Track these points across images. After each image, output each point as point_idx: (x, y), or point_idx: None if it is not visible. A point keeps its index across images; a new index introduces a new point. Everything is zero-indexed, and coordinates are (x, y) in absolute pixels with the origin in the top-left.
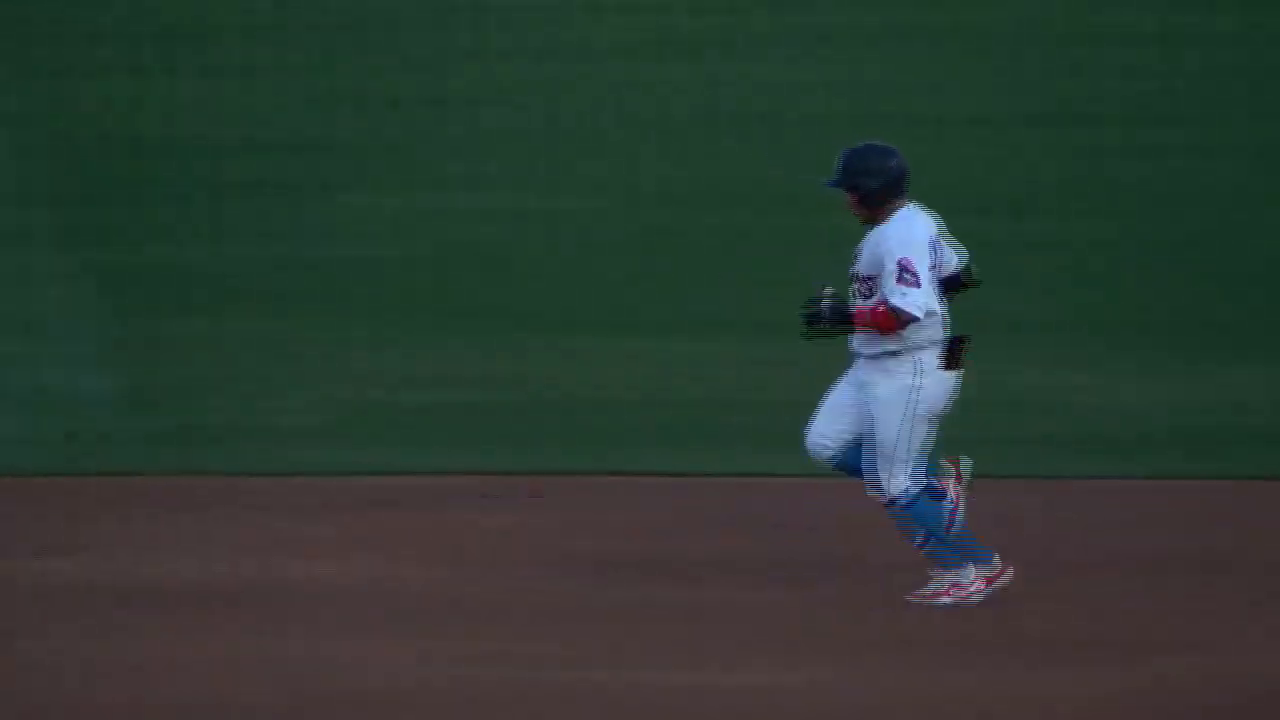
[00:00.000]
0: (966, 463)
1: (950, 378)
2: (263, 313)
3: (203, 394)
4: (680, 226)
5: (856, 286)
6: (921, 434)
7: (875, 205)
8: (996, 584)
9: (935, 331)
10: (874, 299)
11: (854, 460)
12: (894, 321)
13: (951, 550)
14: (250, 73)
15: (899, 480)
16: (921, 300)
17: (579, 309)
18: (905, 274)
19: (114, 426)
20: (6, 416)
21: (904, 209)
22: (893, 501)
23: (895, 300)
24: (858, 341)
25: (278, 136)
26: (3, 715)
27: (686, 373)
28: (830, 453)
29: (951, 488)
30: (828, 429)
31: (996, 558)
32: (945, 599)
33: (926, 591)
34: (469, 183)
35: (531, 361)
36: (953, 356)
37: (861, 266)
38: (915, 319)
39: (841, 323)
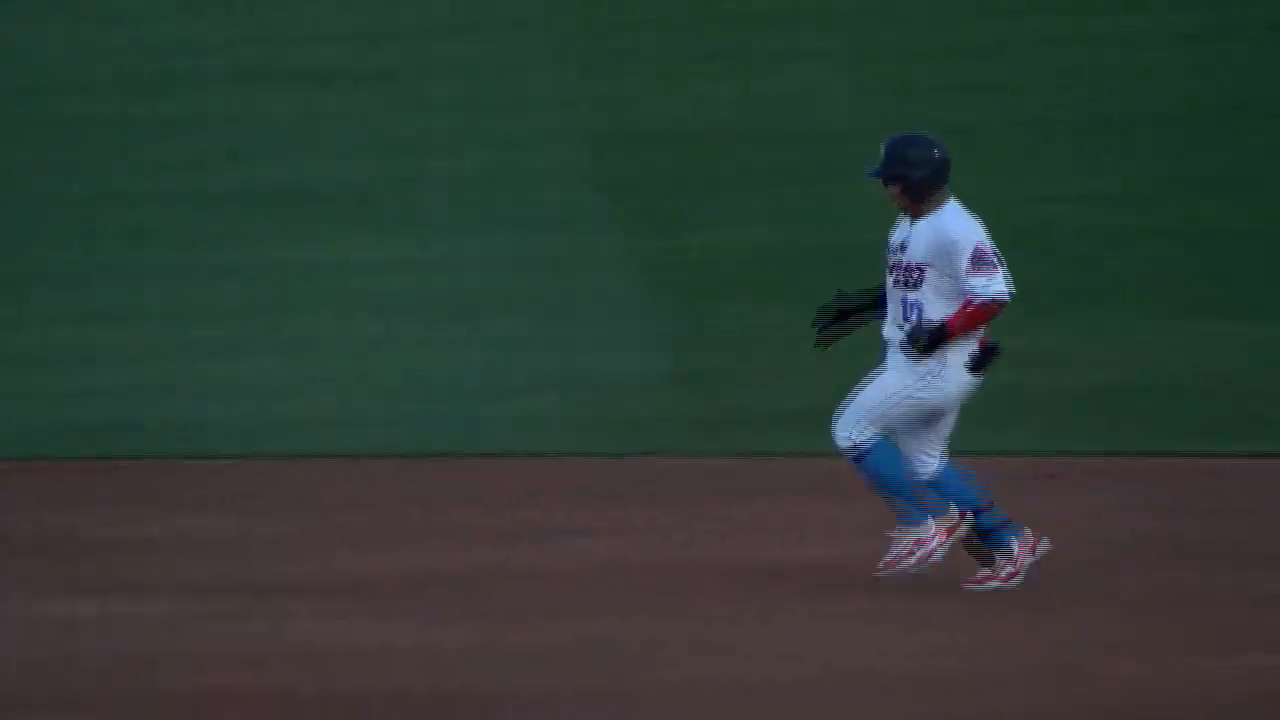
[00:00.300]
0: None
1: (971, 382)
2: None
3: (744, 378)
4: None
5: (899, 276)
6: (909, 413)
7: (919, 197)
8: (953, 537)
9: (978, 332)
10: (943, 285)
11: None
12: (989, 312)
13: (910, 503)
14: (823, 59)
15: (861, 431)
16: (1003, 282)
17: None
18: (981, 260)
19: (654, 409)
20: (547, 398)
21: (951, 201)
22: (845, 453)
23: (980, 289)
24: (890, 329)
25: (831, 125)
26: (564, 690)
27: None
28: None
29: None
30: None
31: (953, 509)
32: (910, 560)
33: (889, 559)
34: (1051, 171)
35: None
36: (982, 362)
37: (914, 255)
38: (1005, 300)
39: (939, 340)
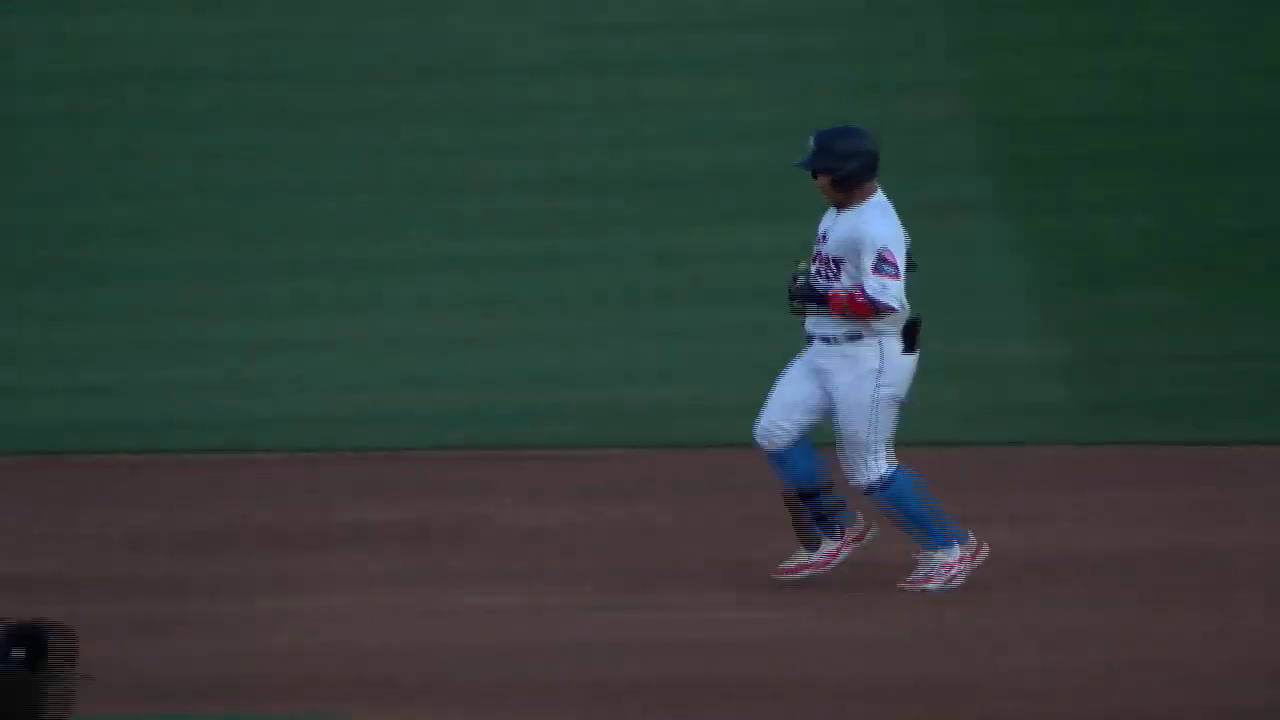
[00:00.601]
0: (873, 532)
1: (911, 361)
2: (1182, 284)
3: (1137, 364)
4: None
5: (819, 267)
6: (889, 418)
7: (849, 188)
8: (976, 561)
9: (899, 315)
10: (849, 285)
11: (796, 458)
12: (870, 311)
13: (935, 530)
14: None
15: (875, 466)
16: (898, 292)
17: None
18: (885, 265)
19: (1045, 397)
20: (934, 384)
21: (878, 195)
22: (871, 489)
23: (874, 292)
24: (815, 324)
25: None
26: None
27: None
28: (784, 440)
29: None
30: (784, 419)
31: (972, 535)
32: (931, 585)
33: (916, 577)
34: None
35: None
36: (910, 339)
37: (831, 248)
38: (893, 310)
39: (813, 303)
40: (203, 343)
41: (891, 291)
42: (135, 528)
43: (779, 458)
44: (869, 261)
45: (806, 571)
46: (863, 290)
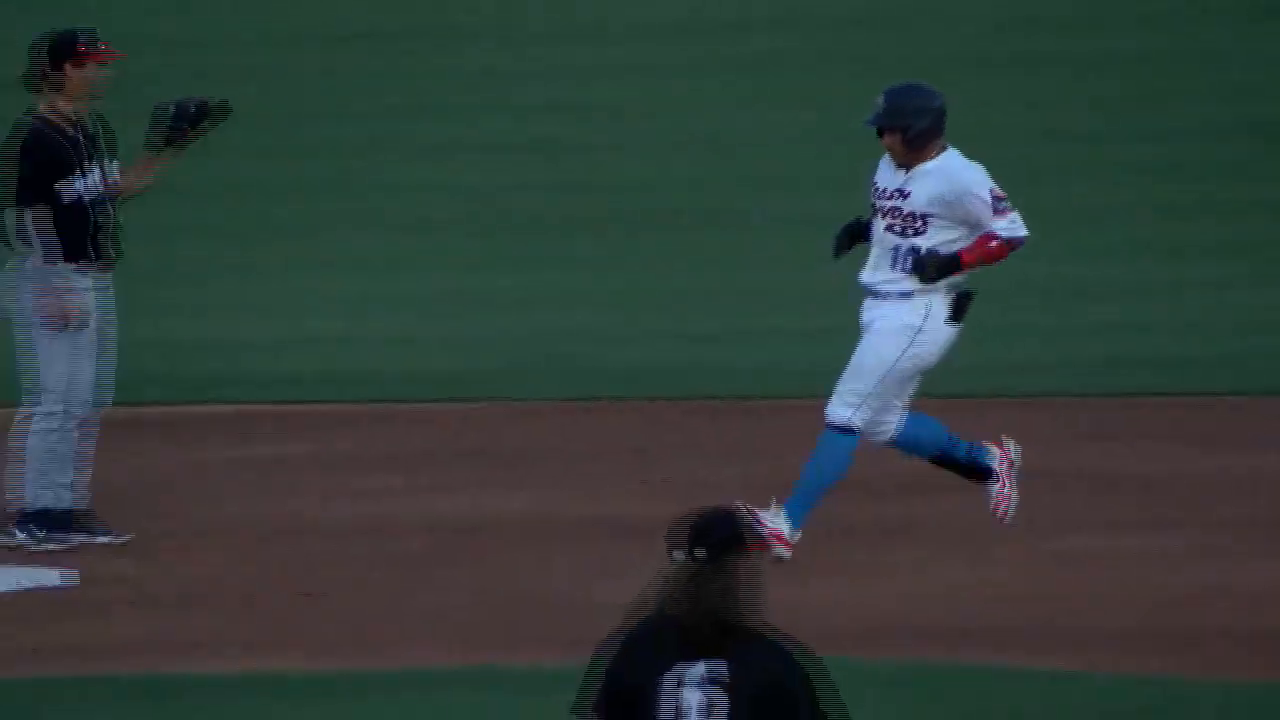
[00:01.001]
0: (1014, 448)
1: (952, 332)
2: None
3: None
4: None
5: (895, 223)
6: (901, 385)
7: (920, 146)
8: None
9: (959, 278)
10: (973, 236)
11: (913, 434)
12: (1007, 251)
13: (800, 503)
14: None
15: (851, 413)
16: (1023, 222)
17: None
18: (1001, 202)
19: None
20: None
21: (951, 149)
22: (829, 424)
23: (1008, 230)
24: (869, 274)
25: None
26: None
27: None
28: (888, 435)
29: (999, 466)
30: (883, 414)
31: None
32: (769, 538)
33: (763, 516)
34: None
35: None
36: (959, 309)
37: (919, 204)
38: (1024, 240)
39: (948, 271)
40: None
41: (1019, 221)
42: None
43: (898, 444)
44: (987, 206)
45: (1004, 506)
46: (993, 235)
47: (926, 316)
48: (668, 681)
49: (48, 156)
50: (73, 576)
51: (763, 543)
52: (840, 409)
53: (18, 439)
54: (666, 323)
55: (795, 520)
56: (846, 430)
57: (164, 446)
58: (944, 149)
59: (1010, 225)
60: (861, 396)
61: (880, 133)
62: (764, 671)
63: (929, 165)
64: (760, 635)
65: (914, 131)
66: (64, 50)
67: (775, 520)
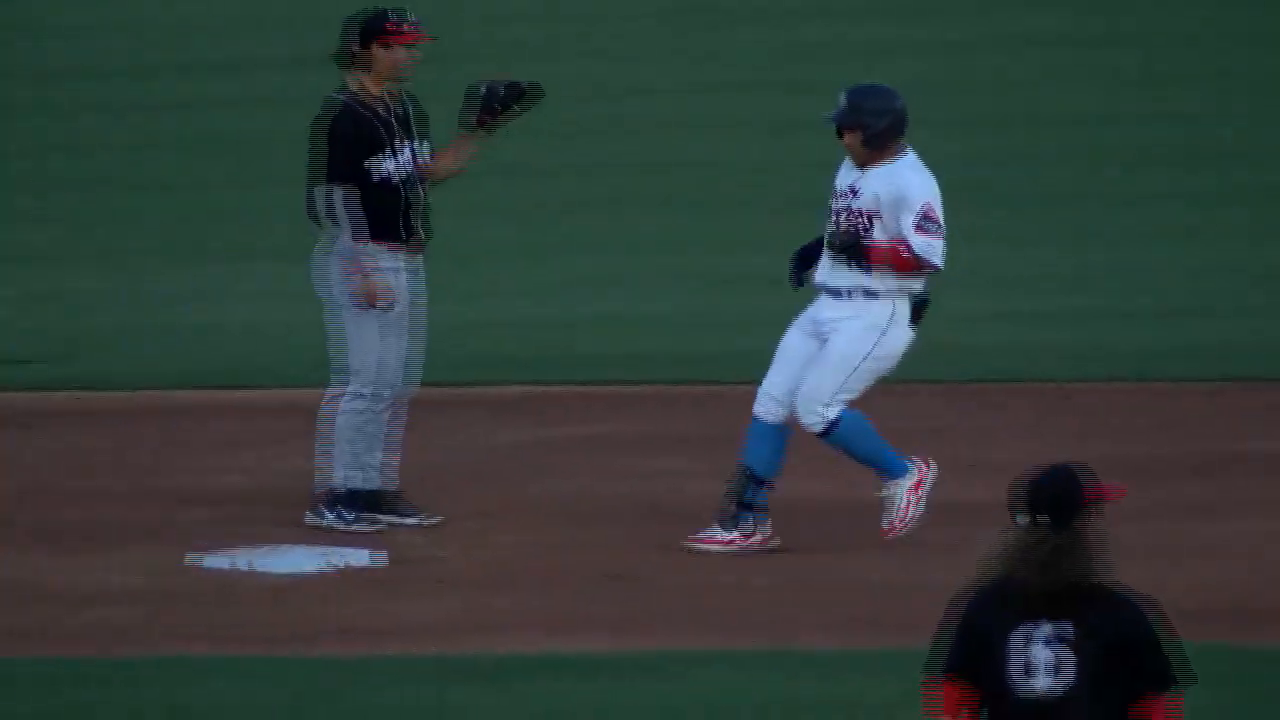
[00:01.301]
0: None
1: (912, 336)
2: None
3: None
4: None
5: (848, 220)
6: (865, 382)
7: (878, 146)
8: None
9: (920, 284)
10: (887, 237)
11: (773, 441)
12: (914, 266)
13: (890, 461)
14: None
15: (827, 412)
16: (942, 250)
17: None
18: (929, 222)
19: None
20: None
21: (909, 153)
22: (822, 434)
23: (922, 250)
24: (829, 276)
25: None
26: None
27: None
28: (774, 418)
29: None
30: (786, 392)
31: (917, 460)
32: (901, 527)
33: (891, 520)
34: None
35: None
36: (917, 314)
37: (866, 203)
38: (935, 268)
39: (852, 253)
40: None
41: (937, 250)
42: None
43: (761, 429)
44: (912, 219)
45: (714, 546)
46: (908, 246)
47: (891, 318)
48: (1016, 639)
49: (356, 135)
50: (381, 557)
51: (1105, 490)
52: (815, 421)
53: (327, 420)
54: (988, 303)
55: (898, 469)
56: (833, 426)
57: (468, 428)
58: (903, 153)
59: (927, 246)
60: (829, 396)
61: (840, 132)
62: (1109, 628)
63: (885, 166)
64: (1105, 591)
65: (872, 131)
66: (372, 30)
67: (893, 498)
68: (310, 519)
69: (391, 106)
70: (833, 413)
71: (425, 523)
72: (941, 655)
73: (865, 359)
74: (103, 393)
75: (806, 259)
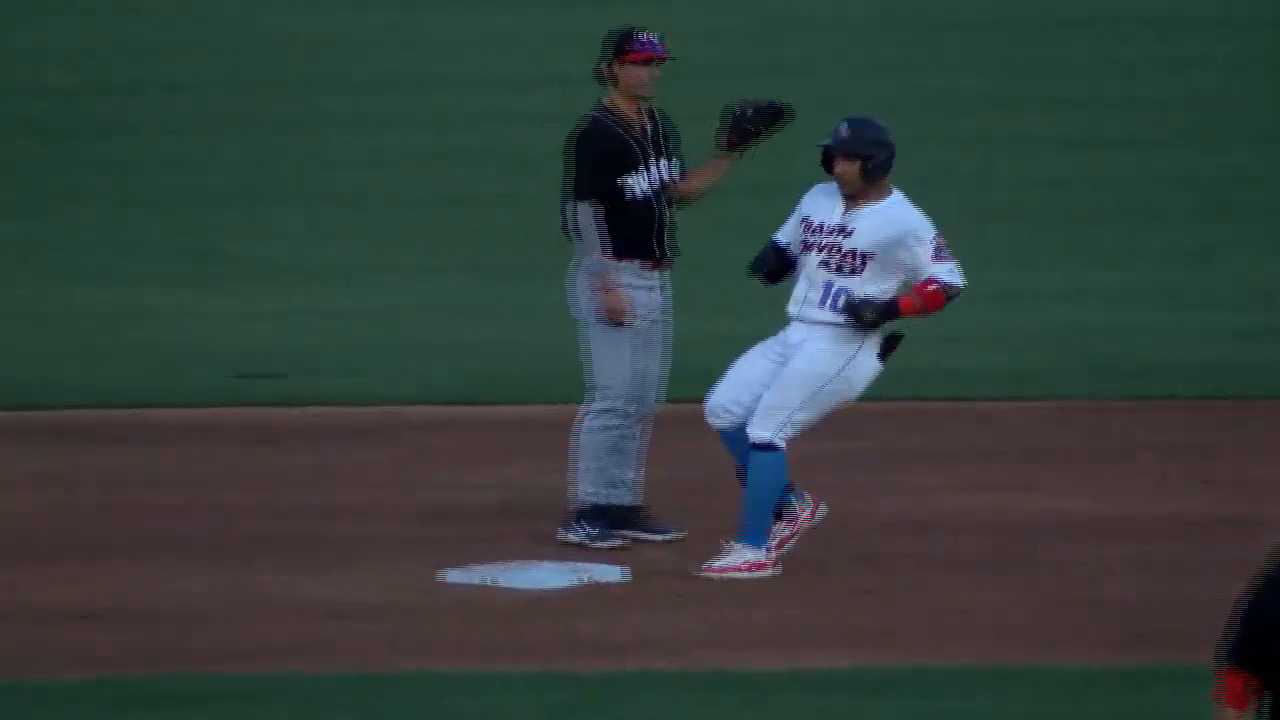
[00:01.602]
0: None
1: (878, 369)
2: None
3: None
4: None
5: (832, 260)
6: (827, 407)
7: (874, 179)
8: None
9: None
10: (891, 277)
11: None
12: (947, 298)
13: (759, 529)
14: None
15: (778, 429)
16: (961, 270)
17: None
18: (942, 250)
19: None
20: None
21: (897, 191)
22: (759, 445)
23: (949, 276)
24: (803, 309)
25: None
26: None
27: None
28: (729, 422)
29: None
30: (737, 398)
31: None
32: (742, 573)
33: (716, 565)
34: None
35: None
36: (888, 349)
37: (861, 243)
38: (962, 289)
39: (887, 317)
40: None
41: (958, 271)
42: None
43: (728, 437)
44: (928, 252)
45: (787, 543)
46: (933, 280)
47: (860, 348)
48: None
49: (604, 152)
50: (628, 572)
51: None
52: (761, 430)
53: (579, 436)
54: (1213, 319)
55: (756, 539)
56: (770, 447)
57: (712, 442)
58: (890, 191)
59: (949, 272)
60: (787, 414)
61: (829, 161)
62: None
63: (876, 206)
64: None
65: (874, 163)
66: (615, 49)
67: (739, 555)
68: (562, 534)
69: (644, 124)
70: (781, 437)
71: (671, 538)
72: (1235, 641)
73: (830, 380)
74: (349, 407)
75: (777, 273)
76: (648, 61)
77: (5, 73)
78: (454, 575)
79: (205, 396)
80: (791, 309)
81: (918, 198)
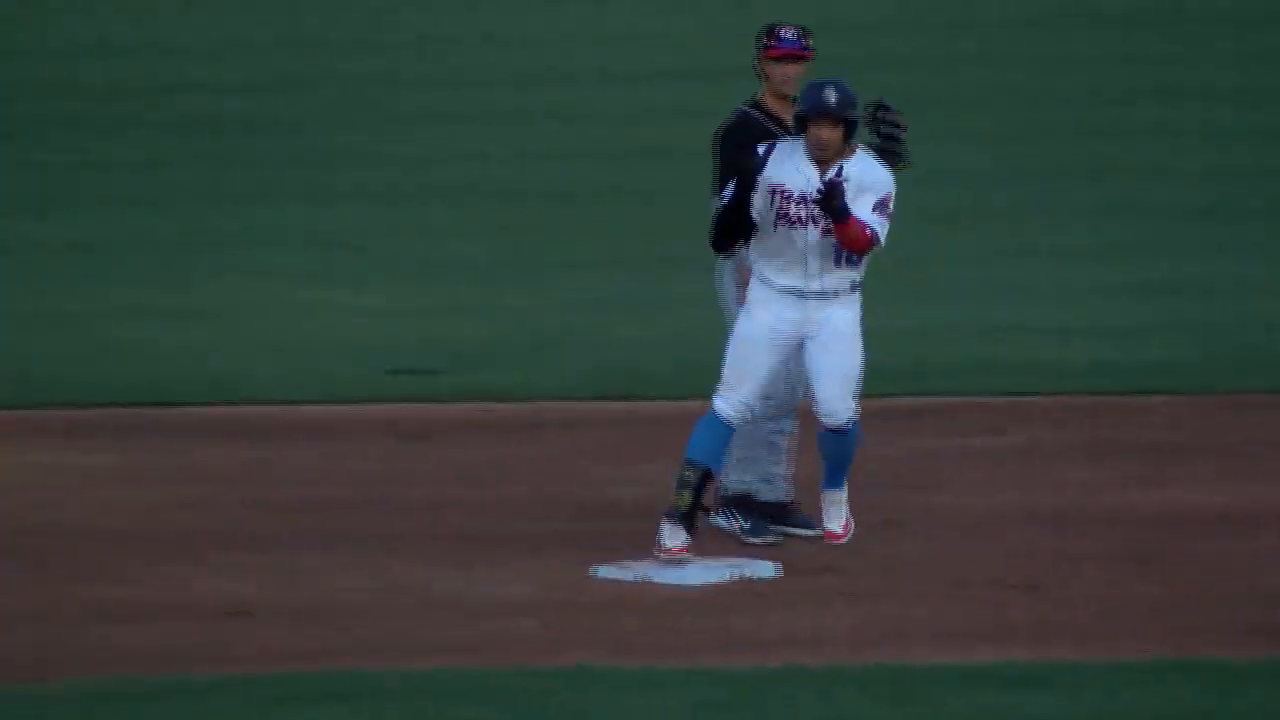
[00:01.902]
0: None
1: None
2: None
3: None
4: None
5: (825, 224)
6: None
7: (848, 139)
8: None
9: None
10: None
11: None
12: (868, 245)
13: (846, 474)
14: None
15: (853, 405)
16: (885, 235)
17: None
18: (884, 208)
19: None
20: None
21: (861, 148)
22: (843, 427)
23: (879, 229)
24: (821, 279)
25: None
26: None
27: None
28: (749, 420)
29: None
30: (759, 402)
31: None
32: (844, 539)
33: (831, 530)
34: None
35: None
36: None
37: (850, 200)
38: (878, 249)
39: (836, 214)
40: None
41: (883, 234)
42: None
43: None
44: (873, 201)
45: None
46: (869, 226)
47: (862, 306)
48: None
49: (741, 146)
50: (780, 568)
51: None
52: (845, 412)
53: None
54: None
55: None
56: (854, 424)
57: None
58: (855, 148)
59: (880, 226)
60: (853, 388)
61: (803, 124)
62: None
63: (849, 162)
64: None
65: (855, 125)
66: (760, 45)
67: (835, 507)
68: (712, 519)
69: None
70: (856, 411)
71: (817, 534)
72: None
73: (861, 350)
74: (502, 404)
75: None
76: (785, 58)
77: (183, 71)
78: (605, 571)
79: (358, 392)
80: (811, 285)
81: (1070, 189)
